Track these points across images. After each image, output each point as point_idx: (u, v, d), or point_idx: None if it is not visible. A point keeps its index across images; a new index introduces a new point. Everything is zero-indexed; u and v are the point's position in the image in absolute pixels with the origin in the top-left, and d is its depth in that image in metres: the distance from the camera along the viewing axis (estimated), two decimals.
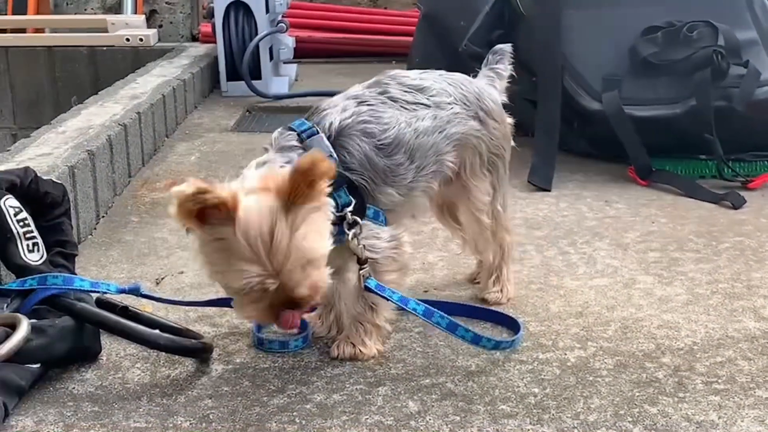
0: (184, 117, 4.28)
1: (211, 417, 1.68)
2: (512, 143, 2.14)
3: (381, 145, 1.86)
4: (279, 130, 1.86)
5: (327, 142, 1.80)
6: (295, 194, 1.58)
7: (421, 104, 1.95)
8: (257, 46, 4.76)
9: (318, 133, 1.81)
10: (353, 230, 1.79)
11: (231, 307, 2.05)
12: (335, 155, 1.79)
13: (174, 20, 7.06)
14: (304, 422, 1.66)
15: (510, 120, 2.12)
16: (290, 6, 5.48)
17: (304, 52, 5.70)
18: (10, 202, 1.91)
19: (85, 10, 6.99)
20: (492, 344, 1.92)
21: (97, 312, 1.86)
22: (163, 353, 1.90)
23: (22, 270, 1.88)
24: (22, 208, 1.93)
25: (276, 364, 1.89)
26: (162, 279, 2.35)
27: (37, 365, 1.78)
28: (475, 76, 2.14)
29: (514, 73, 2.22)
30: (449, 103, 1.98)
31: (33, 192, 2.00)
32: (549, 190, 3.14)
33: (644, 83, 3.34)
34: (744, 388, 1.79)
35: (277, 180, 1.60)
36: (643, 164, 3.24)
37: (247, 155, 3.32)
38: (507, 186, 2.15)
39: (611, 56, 3.40)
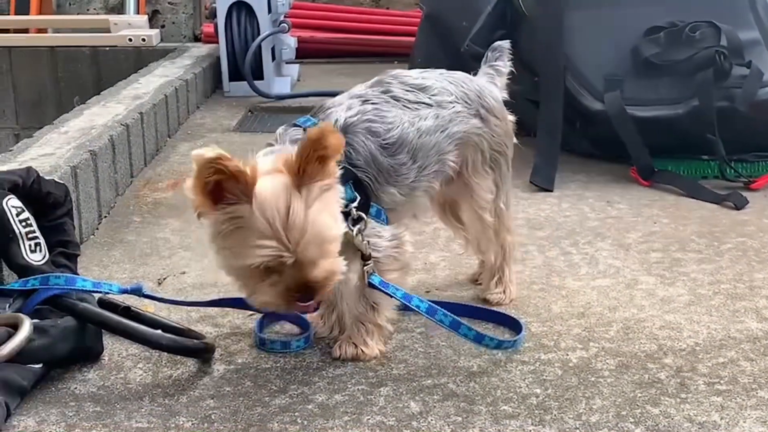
0: (187, 117, 4.28)
1: (213, 417, 1.68)
2: (515, 140, 2.13)
3: (385, 144, 1.87)
4: (283, 126, 1.87)
5: None
6: (306, 163, 1.59)
7: (423, 103, 1.95)
8: (259, 47, 4.77)
9: None
10: (358, 226, 1.79)
11: (233, 307, 2.07)
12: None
13: (176, 20, 7.06)
14: (305, 422, 1.66)
15: (511, 117, 2.12)
16: (292, 6, 5.49)
17: (306, 53, 5.71)
18: (13, 203, 1.91)
19: (88, 10, 7.00)
20: (495, 343, 1.91)
21: (99, 312, 1.86)
22: (165, 353, 1.90)
23: (24, 270, 1.88)
24: (25, 209, 1.93)
25: (278, 365, 1.89)
26: (164, 279, 2.35)
27: (39, 365, 1.79)
28: (475, 74, 2.14)
29: (513, 70, 2.21)
30: (451, 102, 1.98)
31: (35, 192, 2.00)
32: (551, 191, 3.14)
33: (646, 83, 3.34)
34: (746, 388, 1.78)
35: (289, 160, 1.61)
36: (645, 165, 3.23)
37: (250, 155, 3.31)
38: (510, 184, 2.15)
39: (613, 56, 3.40)
